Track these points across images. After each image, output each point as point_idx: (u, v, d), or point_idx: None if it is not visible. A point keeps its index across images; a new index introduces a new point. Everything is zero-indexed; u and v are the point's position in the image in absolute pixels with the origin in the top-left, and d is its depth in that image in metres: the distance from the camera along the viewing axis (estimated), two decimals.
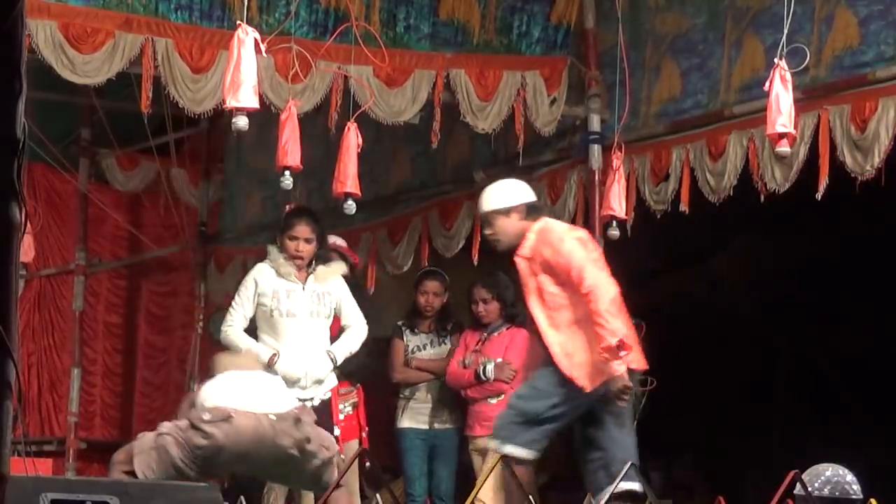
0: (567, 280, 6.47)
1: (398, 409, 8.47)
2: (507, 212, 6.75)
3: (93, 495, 4.94)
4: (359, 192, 7.55)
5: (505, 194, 6.82)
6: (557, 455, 12.07)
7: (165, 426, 5.90)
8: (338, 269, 7.61)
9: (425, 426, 8.40)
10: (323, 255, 7.60)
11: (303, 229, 7.49)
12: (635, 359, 6.59)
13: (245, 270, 11.53)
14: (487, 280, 8.29)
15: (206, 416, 5.75)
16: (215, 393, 5.97)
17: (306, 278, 7.46)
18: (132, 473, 5.79)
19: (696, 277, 10.99)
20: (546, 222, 6.76)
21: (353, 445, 7.68)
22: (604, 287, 6.40)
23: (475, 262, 9.20)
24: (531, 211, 6.78)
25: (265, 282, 7.43)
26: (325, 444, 6.02)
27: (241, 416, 5.76)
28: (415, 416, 8.41)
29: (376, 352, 8.28)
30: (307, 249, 7.47)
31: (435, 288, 8.51)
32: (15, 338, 2.90)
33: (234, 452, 5.75)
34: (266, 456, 5.79)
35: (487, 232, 6.87)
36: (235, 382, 6.08)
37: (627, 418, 6.59)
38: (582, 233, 6.97)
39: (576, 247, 6.57)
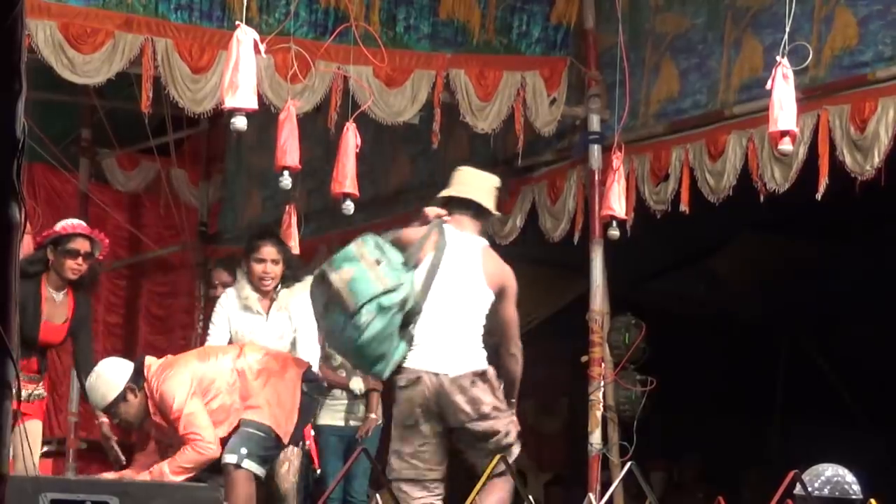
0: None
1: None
2: (123, 396, 6.50)
3: (93, 495, 4.95)
4: (357, 193, 7.54)
5: (111, 383, 6.52)
6: (559, 455, 12.12)
7: None
8: (302, 287, 7.02)
9: (341, 423, 8.25)
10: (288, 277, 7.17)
11: (269, 251, 7.09)
12: None
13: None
14: None
15: (402, 382, 5.88)
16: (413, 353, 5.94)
17: (270, 307, 7.09)
18: None
19: (696, 277, 10.98)
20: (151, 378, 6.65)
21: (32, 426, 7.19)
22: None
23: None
24: (138, 380, 6.59)
25: (232, 319, 7.14)
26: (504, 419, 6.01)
27: (426, 377, 5.84)
28: (332, 414, 8.24)
29: None
30: (274, 272, 7.06)
31: None
32: (15, 338, 2.90)
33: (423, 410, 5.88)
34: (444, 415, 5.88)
35: (118, 421, 6.61)
36: (431, 341, 5.95)
37: None
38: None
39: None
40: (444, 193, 6.15)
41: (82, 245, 7.13)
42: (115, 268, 13.03)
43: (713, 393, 11.07)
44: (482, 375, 5.90)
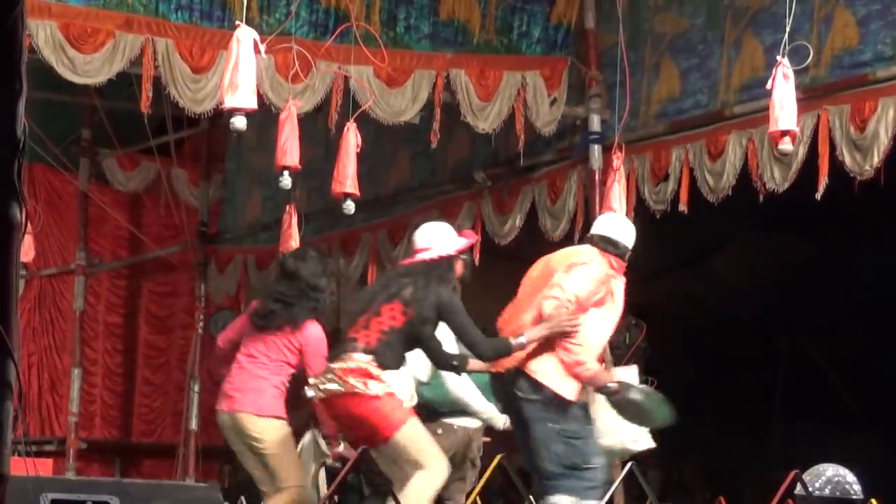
0: None
1: None
2: None
3: (93, 495, 4.95)
4: (358, 193, 7.54)
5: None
6: None
7: None
8: None
9: None
10: None
11: None
12: None
13: (245, 270, 11.62)
14: None
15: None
16: None
17: None
18: None
19: (696, 277, 10.99)
20: None
21: None
22: None
23: (475, 263, 9.20)
24: None
25: None
26: None
27: None
28: None
29: None
30: None
31: None
32: (15, 338, 2.90)
33: None
34: None
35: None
36: None
37: None
38: None
39: None
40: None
41: None
42: (115, 268, 13.05)
43: (713, 393, 11.07)
44: None
